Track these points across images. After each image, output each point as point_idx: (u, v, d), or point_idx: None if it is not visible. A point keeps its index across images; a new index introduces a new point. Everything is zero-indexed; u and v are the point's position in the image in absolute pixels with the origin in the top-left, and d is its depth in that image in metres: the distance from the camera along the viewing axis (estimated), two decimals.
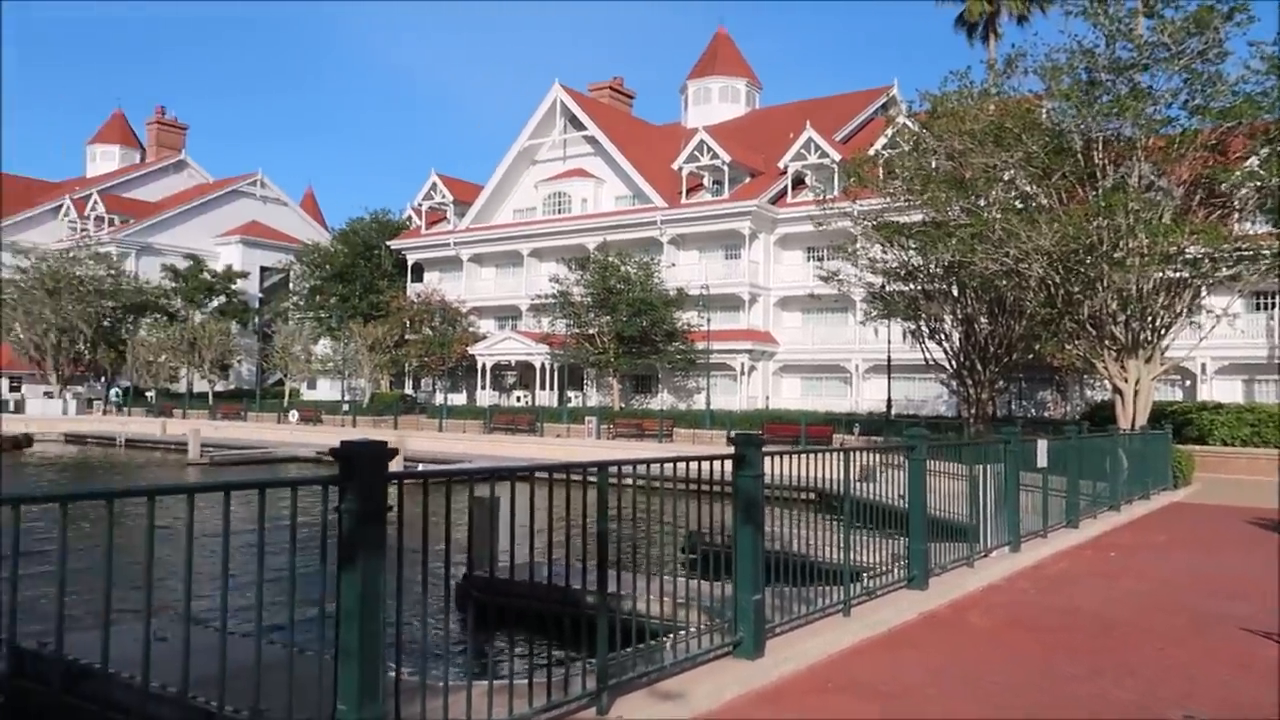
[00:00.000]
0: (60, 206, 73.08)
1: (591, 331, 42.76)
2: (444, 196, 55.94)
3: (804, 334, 45.34)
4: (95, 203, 70.23)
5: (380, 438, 4.06)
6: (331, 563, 3.60)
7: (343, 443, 3.62)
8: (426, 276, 56.18)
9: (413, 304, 52.09)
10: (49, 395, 58.14)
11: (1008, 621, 7.22)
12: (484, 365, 49.42)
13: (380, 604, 3.64)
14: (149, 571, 3.16)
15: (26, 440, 47.90)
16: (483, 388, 49.71)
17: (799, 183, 46.06)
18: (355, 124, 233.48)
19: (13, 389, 61.13)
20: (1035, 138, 21.83)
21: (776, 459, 5.84)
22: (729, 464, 5.44)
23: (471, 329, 51.56)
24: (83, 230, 67.69)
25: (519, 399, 49.37)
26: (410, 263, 56.68)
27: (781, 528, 6.33)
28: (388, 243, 57.05)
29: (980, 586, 8.43)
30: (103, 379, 61.48)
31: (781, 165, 46.22)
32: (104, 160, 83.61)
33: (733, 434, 30.57)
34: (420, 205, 57.21)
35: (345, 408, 48.91)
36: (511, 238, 52.44)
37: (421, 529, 3.95)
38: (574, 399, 47.54)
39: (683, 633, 5.28)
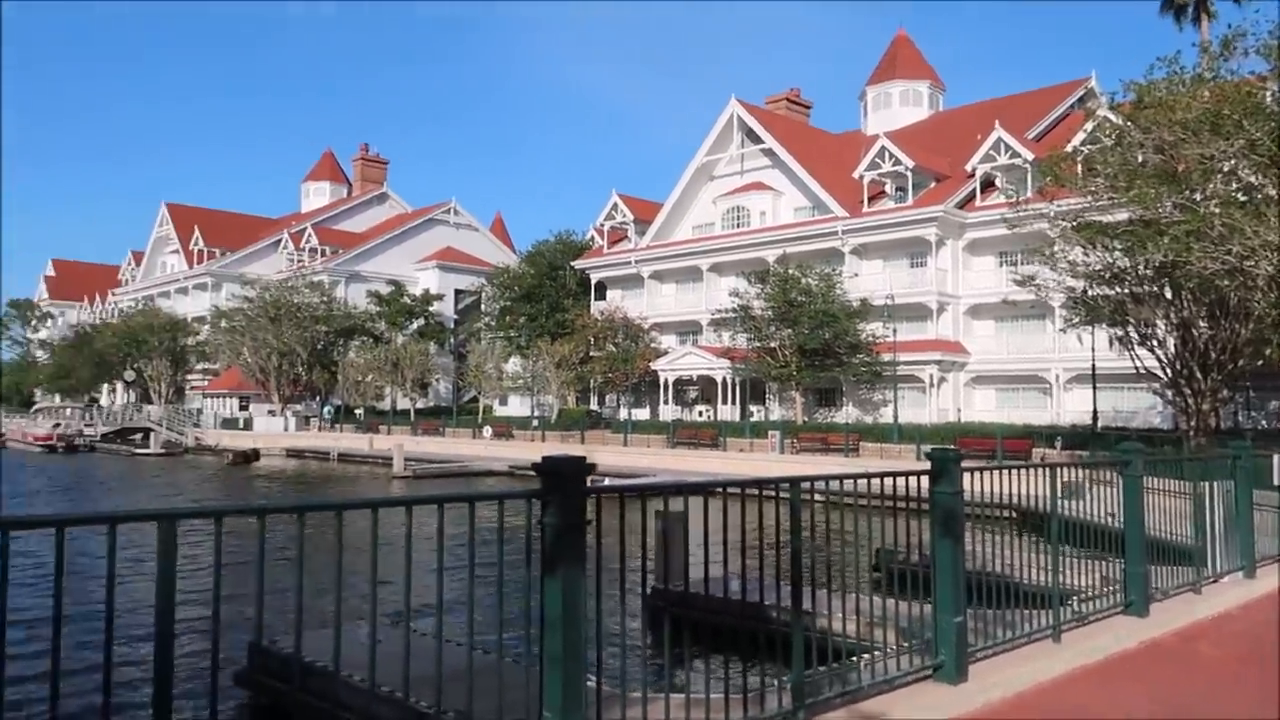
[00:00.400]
0: (279, 240, 79.96)
1: (773, 345, 42.44)
2: (624, 216, 57.17)
3: (997, 343, 43.20)
4: (309, 236, 76.39)
5: (569, 453, 4.19)
6: (526, 573, 3.75)
7: (545, 458, 3.76)
8: (609, 294, 57.52)
9: (596, 321, 53.44)
10: (272, 413, 63.53)
11: (1246, 655, 6.58)
12: (666, 380, 50.00)
13: (581, 614, 3.75)
14: (374, 579, 3.39)
15: (255, 454, 52.60)
16: (665, 403, 50.27)
17: (988, 185, 44.05)
18: (540, 150, 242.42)
19: (242, 408, 67.23)
20: (1259, 123, 19.95)
21: (974, 474, 5.59)
22: (922, 479, 5.26)
23: (653, 345, 52.31)
24: (299, 262, 73.76)
25: (701, 414, 49.60)
26: (593, 281, 58.22)
27: (980, 547, 6.06)
28: (572, 263, 58.86)
29: (1211, 615, 7.73)
30: (317, 398, 66.55)
31: (969, 168, 44.36)
32: (316, 196, 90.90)
33: (924, 448, 29.46)
34: (602, 225, 58.72)
35: (534, 423, 50.70)
36: (691, 254, 52.89)
37: (619, 542, 4.05)
38: (756, 413, 47.27)
39: (878, 653, 5.13)
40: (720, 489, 4.72)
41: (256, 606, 3.22)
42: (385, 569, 3.53)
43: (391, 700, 7.43)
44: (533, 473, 3.75)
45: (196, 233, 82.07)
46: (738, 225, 51.78)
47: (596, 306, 56.38)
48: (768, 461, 36.43)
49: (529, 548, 3.78)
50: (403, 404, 62.30)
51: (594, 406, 55.44)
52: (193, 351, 73.80)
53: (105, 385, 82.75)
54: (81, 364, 78.68)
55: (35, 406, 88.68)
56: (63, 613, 2.82)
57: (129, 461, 54.32)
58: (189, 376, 75.71)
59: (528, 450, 44.94)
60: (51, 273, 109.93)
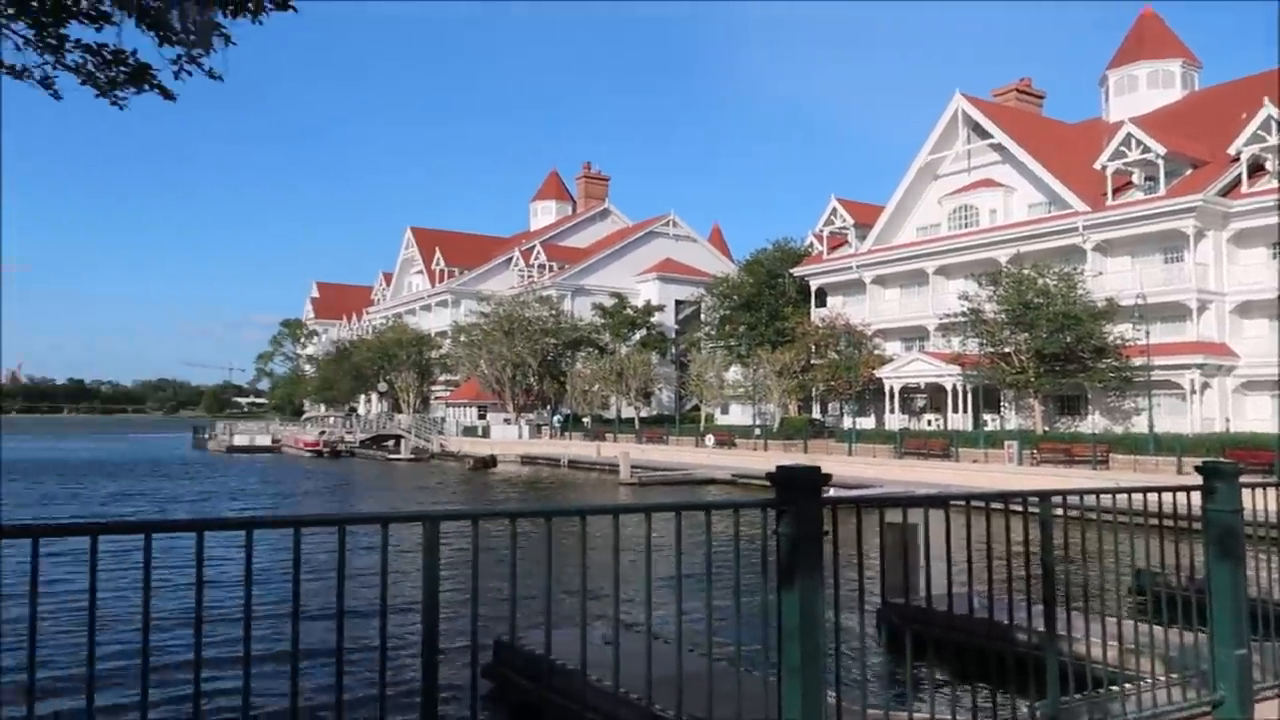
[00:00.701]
0: (511, 258, 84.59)
1: (1007, 350, 40.10)
2: (844, 220, 56.03)
3: (1272, 344, 38.64)
4: (538, 253, 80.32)
5: (792, 462, 4.17)
6: (762, 581, 3.74)
7: (780, 468, 3.75)
8: (830, 301, 56.52)
9: (817, 329, 52.66)
10: (507, 421, 67.22)
11: None
12: (891, 388, 48.45)
13: (820, 625, 3.71)
14: (616, 582, 3.51)
15: (493, 461, 55.85)
16: (891, 411, 48.71)
17: (1256, 169, 39.55)
18: (757, 159, 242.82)
19: (480, 416, 71.59)
20: None
21: (1253, 490, 5.03)
22: (1192, 495, 4.79)
23: (877, 352, 50.86)
24: (529, 278, 77.71)
25: (929, 422, 47.65)
26: (813, 288, 57.42)
27: (1262, 572, 5.43)
28: (791, 270, 58.35)
29: None
30: (548, 407, 69.72)
31: (1232, 151, 40.03)
32: (543, 214, 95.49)
33: (1187, 461, 26.67)
34: (821, 231, 57.84)
35: (756, 432, 50.61)
36: (915, 256, 51.01)
37: (855, 554, 3.96)
38: (990, 422, 44.82)
39: (1143, 683, 4.71)
40: (963, 501, 4.51)
41: (510, 605, 3.41)
42: (608, 574, 3.63)
43: (634, 704, 7.55)
44: (756, 481, 3.77)
45: (438, 254, 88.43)
46: (965, 225, 49.39)
47: (817, 313, 55.57)
48: (1005, 473, 34.43)
49: (765, 557, 3.78)
50: (627, 412, 64.04)
51: (816, 415, 54.60)
52: (436, 364, 79.50)
53: (362, 396, 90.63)
54: (342, 377, 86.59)
55: (304, 415, 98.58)
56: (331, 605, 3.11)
57: (383, 465, 59.18)
58: (433, 387, 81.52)
59: (750, 459, 44.91)
60: (316, 294, 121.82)
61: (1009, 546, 4.51)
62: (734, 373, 59.02)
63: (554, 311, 68.62)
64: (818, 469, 3.77)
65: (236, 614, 3.06)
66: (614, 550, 3.58)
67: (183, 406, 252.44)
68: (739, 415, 59.91)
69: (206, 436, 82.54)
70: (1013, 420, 44.51)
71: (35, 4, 7.00)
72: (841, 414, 53.42)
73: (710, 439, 52.05)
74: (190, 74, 7.39)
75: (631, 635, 10.00)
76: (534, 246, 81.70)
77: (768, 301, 58.25)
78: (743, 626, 3.91)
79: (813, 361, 51.74)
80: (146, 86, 7.93)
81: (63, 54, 7.43)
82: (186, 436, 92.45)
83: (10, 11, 7.08)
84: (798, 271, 57.96)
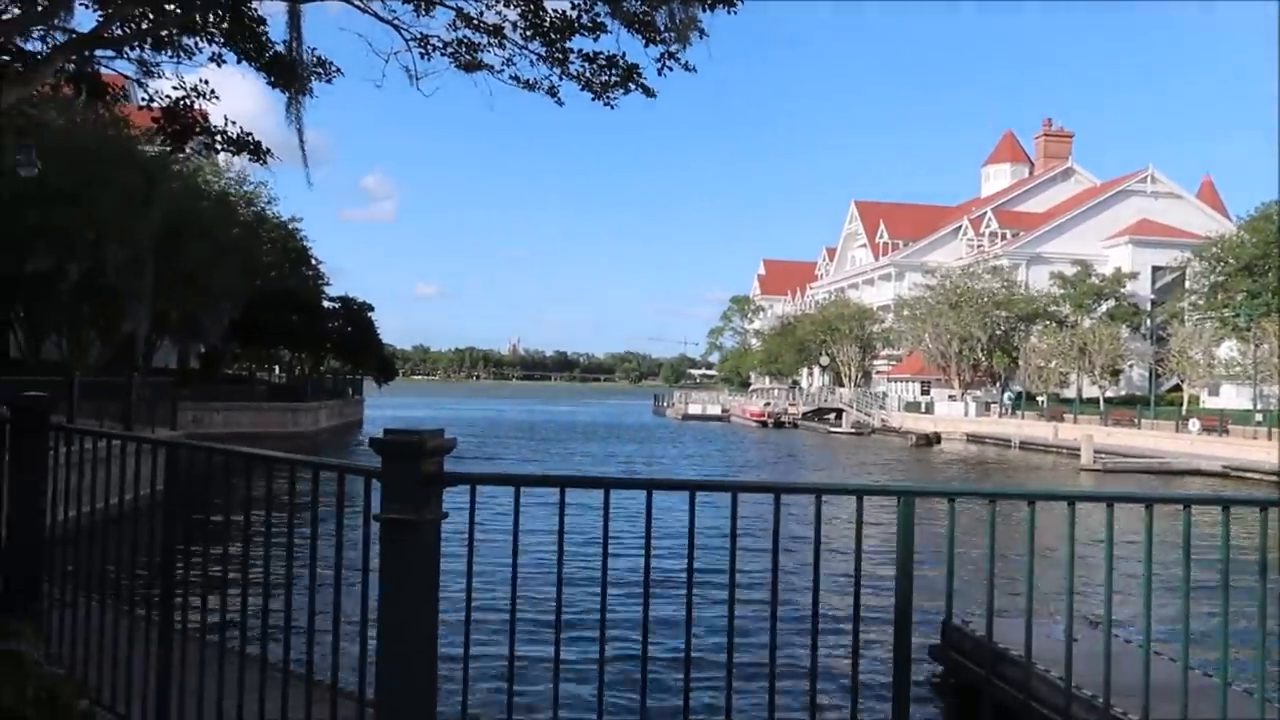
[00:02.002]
0: (959, 227, 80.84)
1: None
2: None
3: None
4: (989, 220, 75.80)
5: None
6: (1260, 590, 3.15)
7: None
8: None
9: None
10: (952, 398, 64.63)
11: None
12: None
13: None
14: (1070, 573, 3.18)
15: (936, 438, 54.17)
16: None
17: None
18: (1253, 104, 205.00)
19: (923, 392, 69.69)
20: None
21: None
22: None
23: None
24: (979, 247, 73.70)
25: None
26: None
27: None
28: None
29: None
30: (997, 383, 65.81)
31: None
32: (996, 179, 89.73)
33: None
34: None
35: (1258, 418, 43.20)
36: None
37: None
38: None
39: None
40: None
41: (948, 587, 3.26)
42: (1078, 567, 3.28)
43: (1090, 704, 7.07)
44: (1256, 476, 3.17)
45: (881, 226, 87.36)
46: None
47: None
48: None
49: (1264, 563, 3.19)
50: (1090, 391, 58.26)
51: None
52: (878, 338, 78.85)
53: (805, 369, 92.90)
54: (786, 350, 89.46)
55: (751, 387, 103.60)
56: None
57: (824, 438, 60.25)
58: (875, 361, 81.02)
59: (1248, 449, 38.45)
60: (763, 272, 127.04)
61: None
62: (1228, 348, 50.87)
63: (1006, 282, 64.42)
64: None
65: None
66: (1069, 539, 3.24)
67: (645, 377, 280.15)
68: (1232, 398, 51.54)
69: (665, 404, 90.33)
70: None
71: (548, 25, 8.19)
72: None
73: (1195, 424, 45.38)
74: (671, 69, 8.18)
75: (1094, 633, 9.18)
76: (985, 214, 77.27)
77: (1276, 264, 49.24)
78: (1231, 642, 3.34)
79: None
80: (633, 86, 8.89)
81: (568, 64, 8.63)
82: (648, 404, 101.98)
83: (529, 33, 8.37)
84: None
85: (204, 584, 4.06)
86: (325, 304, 48.61)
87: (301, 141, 9.43)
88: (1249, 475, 33.96)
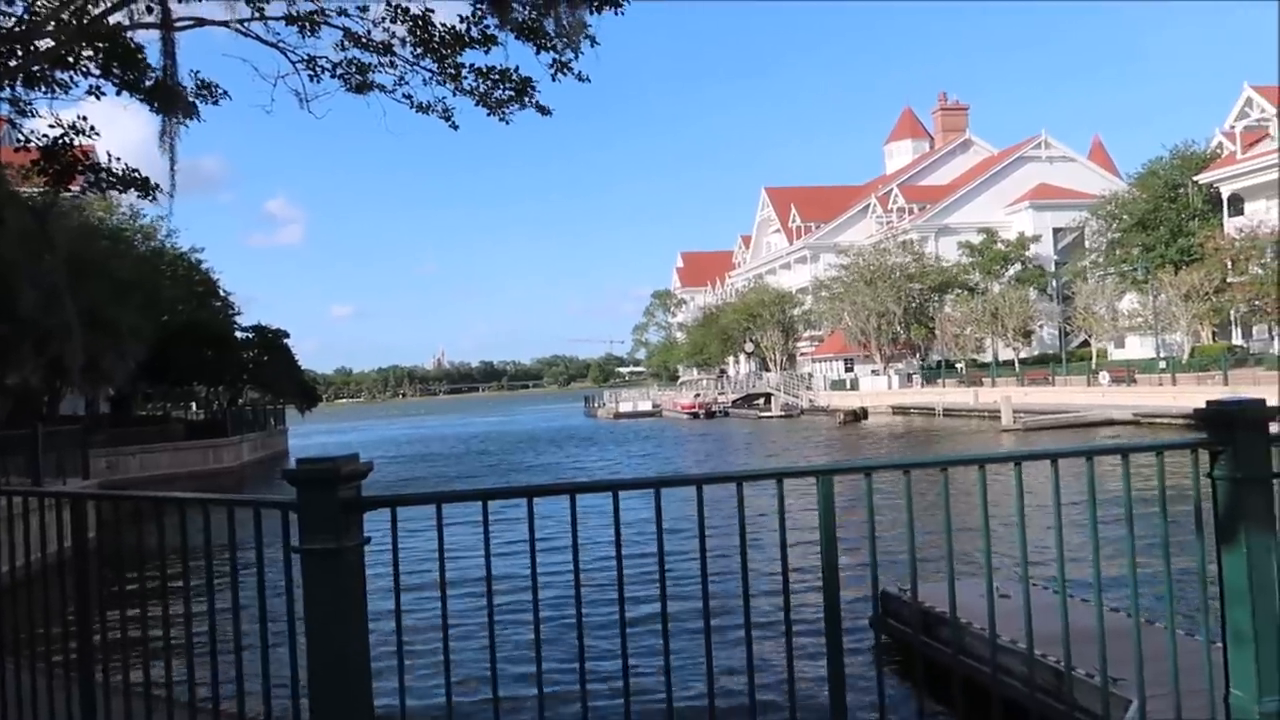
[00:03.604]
0: (867, 206, 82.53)
1: None
2: (1263, 111, 47.72)
3: None
4: (895, 196, 77.51)
5: (1211, 396, 3.62)
6: (1198, 536, 3.32)
7: (1210, 403, 3.30)
8: (1248, 208, 48.58)
9: (1234, 242, 45.57)
10: (875, 373, 66.03)
11: None
12: None
13: (1274, 585, 3.23)
14: (1023, 537, 3.30)
15: (863, 413, 55.28)
16: None
17: None
18: (1147, 61, 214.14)
19: (847, 369, 71.06)
20: None
21: None
22: None
23: None
24: (888, 224, 75.33)
25: None
26: (1225, 196, 49.72)
27: None
28: (1194, 178, 50.96)
29: None
30: (917, 354, 67.43)
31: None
32: (899, 155, 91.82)
33: None
34: (1231, 128, 49.79)
35: (1161, 365, 45.14)
36: None
37: None
38: None
39: None
40: None
41: (910, 558, 3.36)
42: (1007, 527, 3.42)
43: (1016, 652, 7.31)
44: (1165, 420, 3.35)
45: (793, 210, 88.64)
46: None
47: (1232, 224, 48.05)
48: None
49: (1198, 507, 3.36)
50: (1005, 354, 60.12)
51: (1237, 342, 47.45)
52: (799, 320, 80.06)
53: (730, 357, 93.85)
54: (710, 340, 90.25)
55: (679, 380, 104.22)
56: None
57: (756, 424, 60.95)
58: (798, 344, 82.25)
59: (1154, 396, 40.14)
60: (681, 264, 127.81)
61: None
62: (1129, 301, 53.00)
63: (916, 255, 66.00)
64: (1263, 401, 3.27)
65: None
66: (1017, 498, 3.38)
67: (573, 379, 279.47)
68: (1137, 349, 53.74)
69: (596, 405, 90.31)
70: None
71: (437, 41, 8.13)
72: (1272, 339, 45.94)
73: (1105, 376, 47.24)
74: (563, 77, 8.20)
75: (1030, 589, 9.48)
76: (891, 190, 78.98)
77: (1167, 218, 51.46)
78: (1141, 582, 3.50)
79: (1228, 280, 44.93)
80: (528, 102, 8.91)
81: (460, 81, 8.58)
82: (579, 406, 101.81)
83: (419, 50, 8.27)
84: (1204, 178, 50.45)
85: (123, 635, 3.94)
86: (238, 334, 47.32)
87: (172, 168, 9.14)
88: (1158, 420, 35.46)
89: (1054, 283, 65.37)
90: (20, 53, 8.23)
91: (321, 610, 3.02)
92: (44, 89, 8.89)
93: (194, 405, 54.88)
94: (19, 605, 4.42)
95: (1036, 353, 62.81)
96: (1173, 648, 3.33)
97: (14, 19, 8.10)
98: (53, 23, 8.06)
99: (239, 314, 48.31)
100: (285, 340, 49.33)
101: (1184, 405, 33.67)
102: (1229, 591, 3.27)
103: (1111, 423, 38.05)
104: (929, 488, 9.34)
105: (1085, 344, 58.45)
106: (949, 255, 67.56)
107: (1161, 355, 47.54)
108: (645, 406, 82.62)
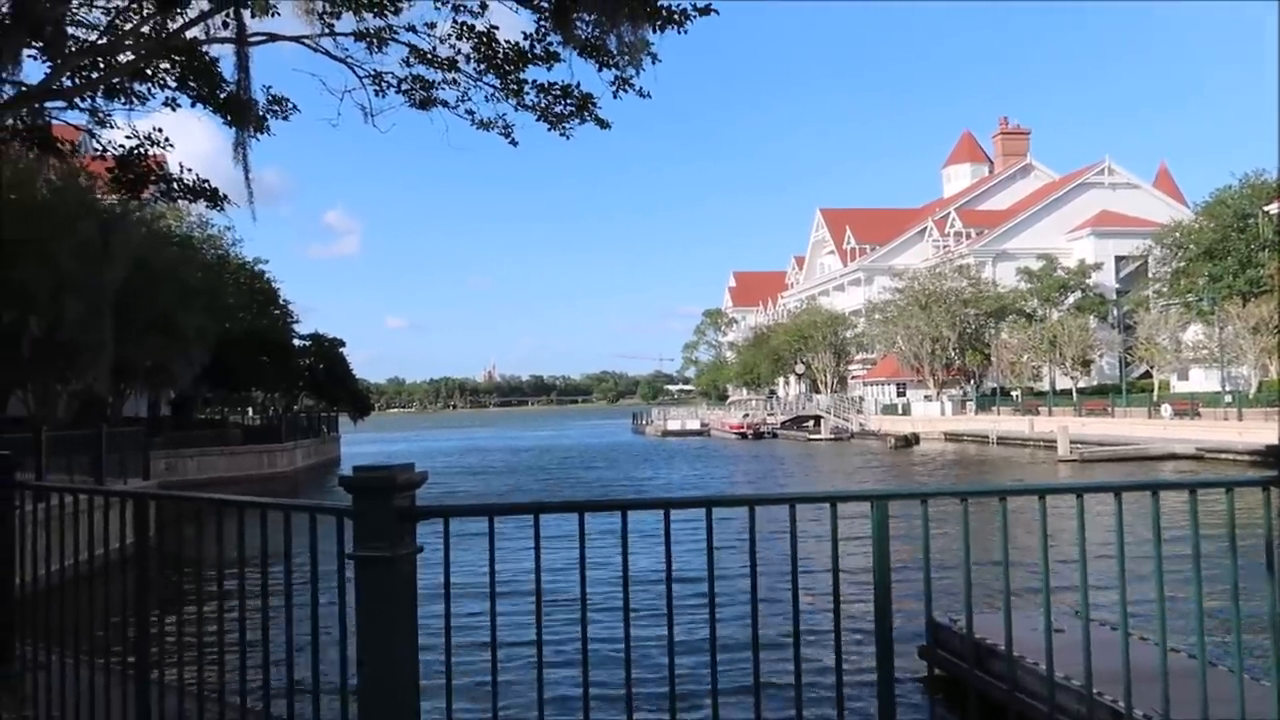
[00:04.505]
0: (924, 229, 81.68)
1: None
2: None
3: None
4: (952, 220, 76.66)
5: (1277, 431, 3.50)
6: (1270, 574, 3.20)
7: None
8: None
9: None
10: (928, 399, 65.09)
11: None
12: None
13: None
14: (1084, 567, 3.22)
15: (915, 439, 54.49)
16: None
17: None
18: (1214, 90, 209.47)
19: (899, 394, 70.14)
20: None
21: None
22: None
23: None
24: (944, 247, 74.48)
25: None
26: None
27: None
28: (1264, 208, 49.57)
29: None
30: (971, 381, 66.37)
31: None
32: (957, 179, 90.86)
33: None
34: None
35: (1227, 399, 43.84)
36: None
37: None
38: None
39: None
40: None
41: (965, 589, 3.28)
42: (1061, 558, 3.33)
43: (1073, 690, 7.13)
44: (1229, 456, 3.23)
45: (848, 232, 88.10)
46: None
47: None
48: None
49: (1270, 544, 3.24)
50: (1062, 383, 58.91)
51: None
52: (852, 343, 79.33)
53: (781, 378, 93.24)
54: (761, 361, 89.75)
55: (728, 399, 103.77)
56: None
57: (804, 446, 60.37)
58: (850, 366, 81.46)
59: (1219, 431, 38.96)
60: (734, 284, 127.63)
61: None
62: (1194, 332, 51.63)
63: (973, 280, 65.09)
64: None
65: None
66: (1041, 530, 3.29)
67: (622, 395, 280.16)
68: (1201, 381, 52.27)
69: (644, 422, 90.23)
70: None
71: (501, 58, 8.27)
72: None
73: (1166, 409, 45.98)
74: (625, 93, 8.26)
75: (1076, 622, 9.24)
76: (948, 214, 78.16)
77: (1235, 247, 50.08)
78: (1232, 626, 3.38)
79: None
80: (588, 116, 8.98)
81: (522, 96, 8.69)
82: (626, 423, 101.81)
83: (483, 67, 8.42)
84: (1275, 208, 49.04)
85: (179, 635, 4.01)
86: (296, 342, 48.24)
87: (248, 179, 9.38)
88: (1222, 455, 34.40)
89: (1115, 311, 64.00)
90: (102, 65, 8.55)
91: (373, 618, 3.04)
92: (123, 100, 9.22)
93: (250, 410, 56.03)
94: (80, 601, 4.54)
95: (1095, 383, 61.45)
96: (1239, 692, 3.21)
97: (97, 33, 8.42)
98: (133, 37, 8.35)
99: (297, 322, 49.27)
100: (341, 349, 50.20)
101: (1251, 441, 32.62)
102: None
103: (1174, 456, 37.01)
104: (978, 517, 9.17)
105: (1147, 375, 57.06)
106: (1006, 281, 66.53)
107: (1227, 389, 46.18)
108: (694, 425, 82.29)
